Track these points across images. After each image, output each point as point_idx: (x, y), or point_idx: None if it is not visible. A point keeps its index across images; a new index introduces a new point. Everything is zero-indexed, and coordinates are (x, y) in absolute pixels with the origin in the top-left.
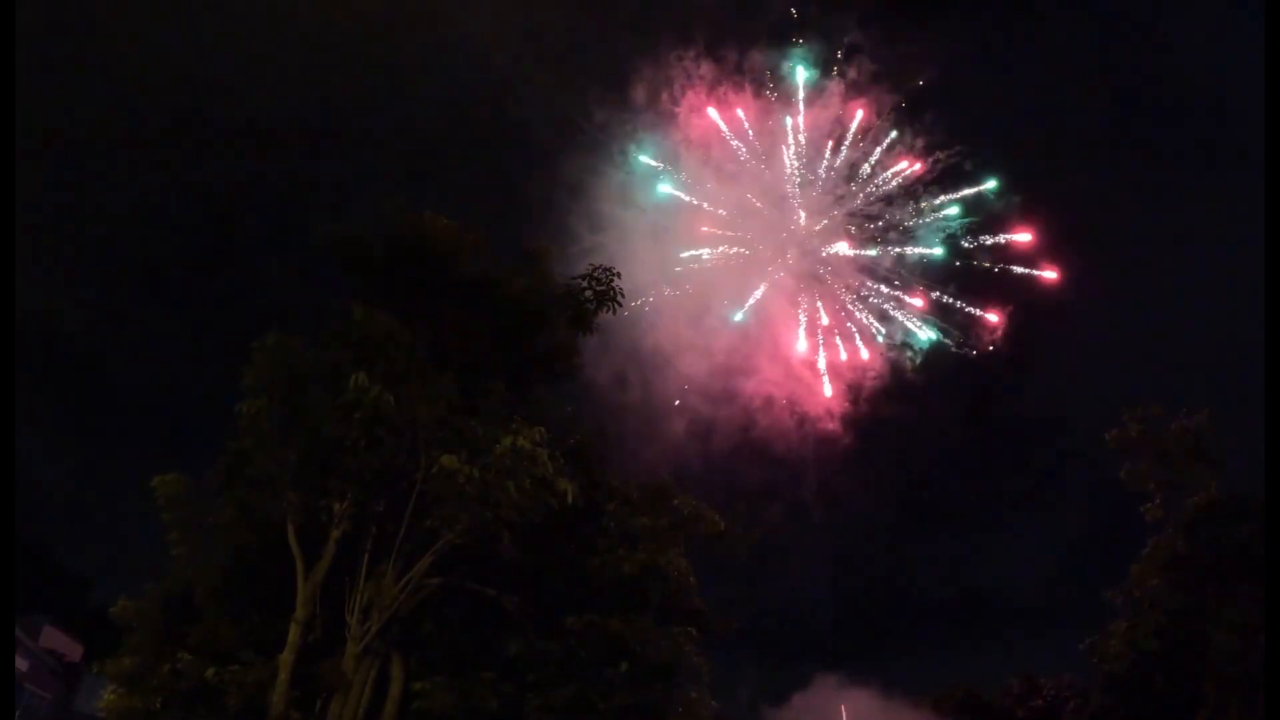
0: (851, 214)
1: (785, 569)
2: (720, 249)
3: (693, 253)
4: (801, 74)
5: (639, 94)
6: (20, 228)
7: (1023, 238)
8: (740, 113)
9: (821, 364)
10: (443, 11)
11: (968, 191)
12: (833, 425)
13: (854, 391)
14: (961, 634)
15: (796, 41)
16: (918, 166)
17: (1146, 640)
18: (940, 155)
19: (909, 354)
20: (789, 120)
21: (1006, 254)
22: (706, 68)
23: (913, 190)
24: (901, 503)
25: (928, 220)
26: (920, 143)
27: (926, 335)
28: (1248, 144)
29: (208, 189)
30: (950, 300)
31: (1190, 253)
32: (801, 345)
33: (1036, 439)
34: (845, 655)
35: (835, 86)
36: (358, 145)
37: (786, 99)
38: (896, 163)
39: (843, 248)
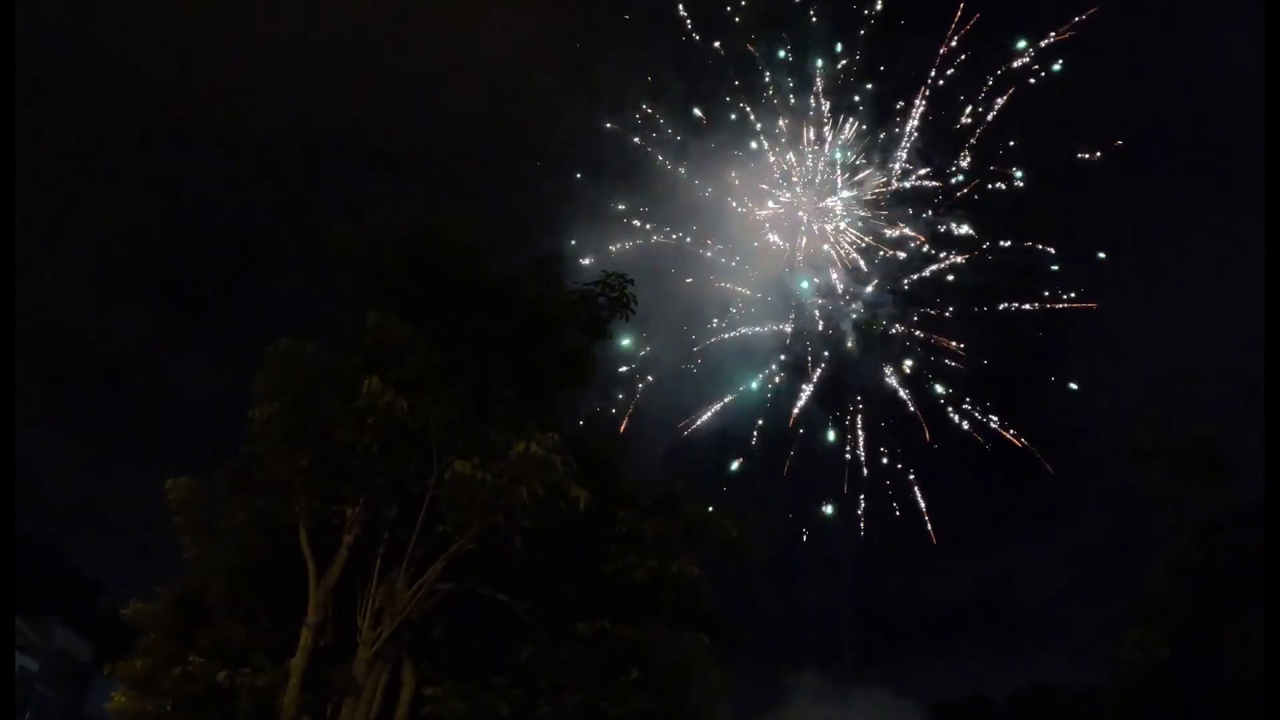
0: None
1: (799, 577)
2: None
3: None
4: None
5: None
6: (42, 236)
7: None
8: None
9: None
10: (462, 25)
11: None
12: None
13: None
14: (974, 642)
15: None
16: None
17: (1159, 650)
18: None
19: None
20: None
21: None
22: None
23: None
24: (916, 511)
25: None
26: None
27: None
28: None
29: (227, 199)
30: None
31: (1207, 262)
32: None
33: (1052, 447)
34: (859, 662)
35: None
36: (375, 156)
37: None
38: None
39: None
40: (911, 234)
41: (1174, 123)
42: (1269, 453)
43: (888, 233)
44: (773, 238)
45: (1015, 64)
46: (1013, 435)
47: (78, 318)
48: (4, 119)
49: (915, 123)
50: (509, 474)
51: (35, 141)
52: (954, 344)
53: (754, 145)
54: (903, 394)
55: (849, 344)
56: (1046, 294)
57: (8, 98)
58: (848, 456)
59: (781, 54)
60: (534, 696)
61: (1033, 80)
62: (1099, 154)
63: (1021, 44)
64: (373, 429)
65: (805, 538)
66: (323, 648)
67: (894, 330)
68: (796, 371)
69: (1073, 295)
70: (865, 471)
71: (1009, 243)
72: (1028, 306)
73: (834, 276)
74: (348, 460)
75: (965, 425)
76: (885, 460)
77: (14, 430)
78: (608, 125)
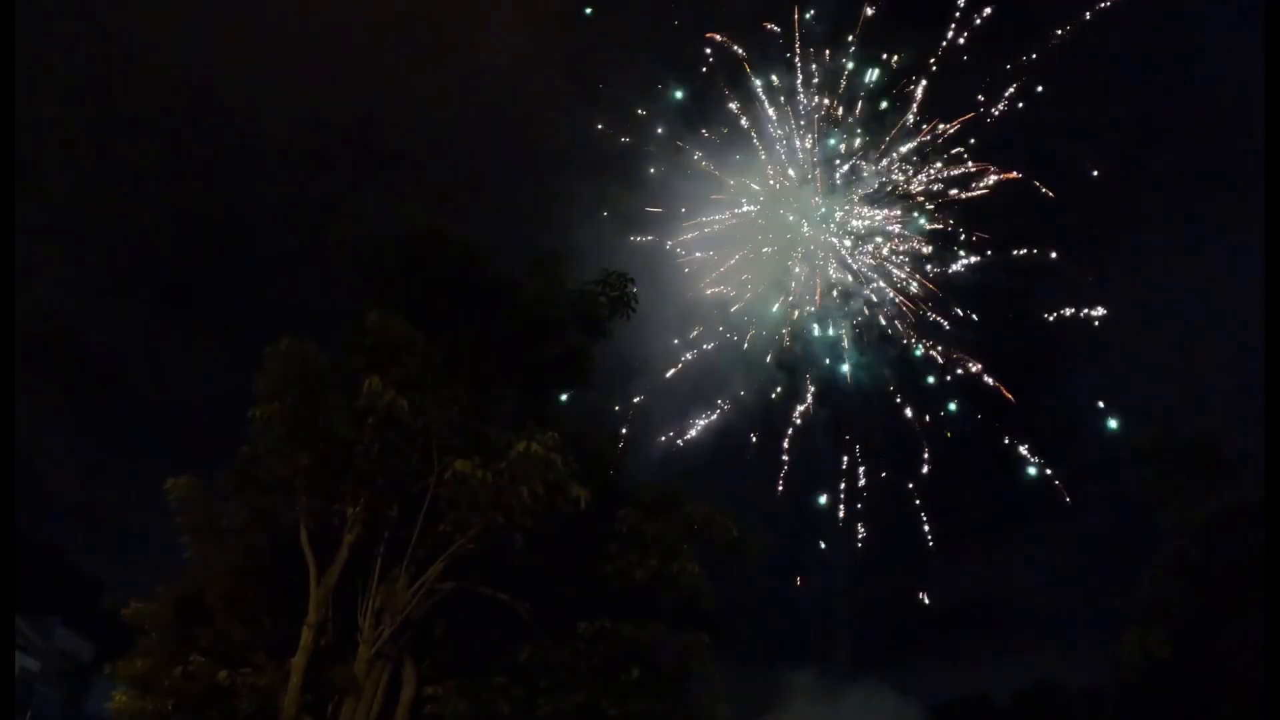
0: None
1: (799, 575)
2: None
3: None
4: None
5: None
6: (42, 236)
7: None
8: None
9: None
10: (462, 25)
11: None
12: None
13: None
14: (975, 641)
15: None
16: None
17: (1160, 649)
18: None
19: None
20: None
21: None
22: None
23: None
24: (917, 510)
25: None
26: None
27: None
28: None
29: (228, 200)
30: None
31: (1207, 262)
32: None
33: (1055, 446)
34: (858, 662)
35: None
36: (376, 155)
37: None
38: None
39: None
40: (909, 234)
41: (1175, 123)
42: (1269, 453)
43: (885, 235)
44: (769, 237)
45: (1013, 66)
46: (1035, 464)
47: (78, 316)
48: (4, 119)
49: (912, 121)
50: (509, 473)
51: (34, 141)
52: (954, 349)
53: (751, 143)
54: (899, 395)
55: (845, 344)
56: (1047, 296)
57: (8, 97)
58: (845, 456)
59: (778, 45)
60: (534, 696)
61: (1040, 88)
62: (1099, 159)
63: (1022, 45)
64: (373, 428)
65: (803, 535)
66: (323, 647)
67: (891, 332)
68: (794, 371)
69: (1071, 308)
70: (863, 474)
71: (1008, 244)
72: (1048, 316)
73: (831, 277)
74: (348, 459)
75: (957, 414)
76: (884, 461)
77: (13, 430)
78: (599, 127)
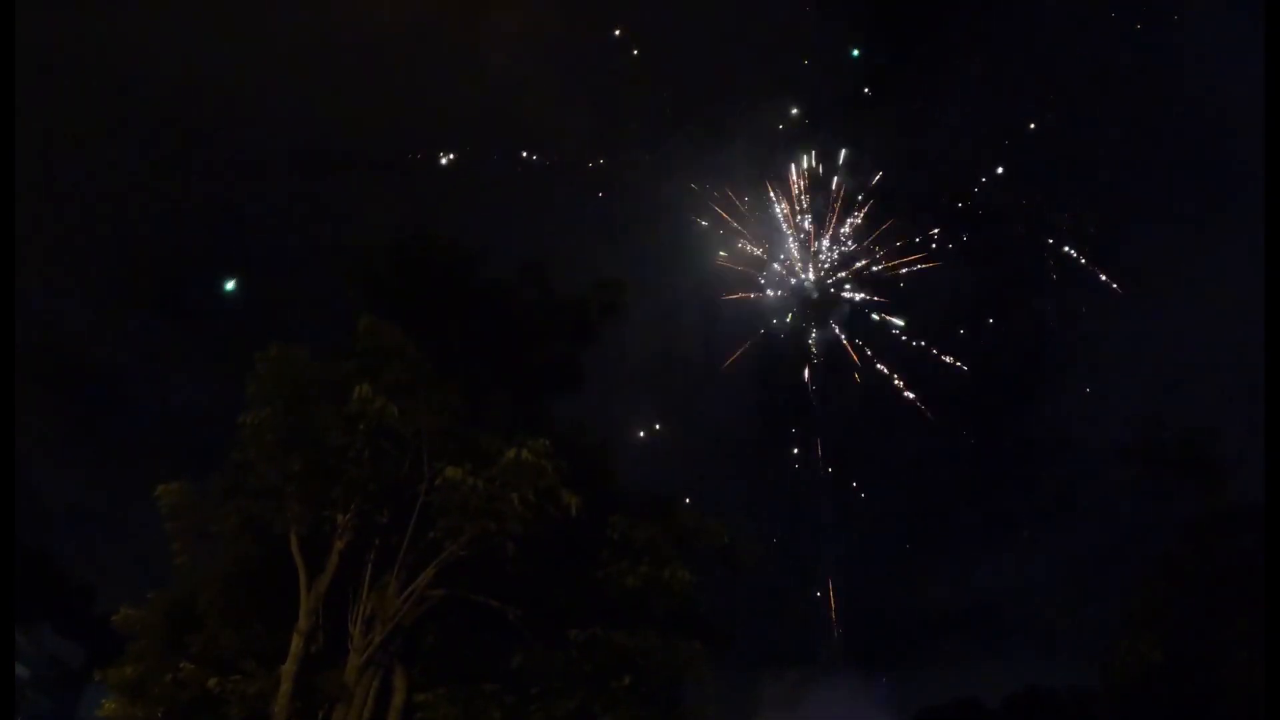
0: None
1: (792, 580)
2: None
3: None
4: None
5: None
6: (33, 243)
7: None
8: None
9: None
10: (461, 31)
11: None
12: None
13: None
14: (968, 645)
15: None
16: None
17: (1153, 652)
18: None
19: None
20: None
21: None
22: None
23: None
24: (910, 516)
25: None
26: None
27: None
28: (1252, 155)
29: (220, 204)
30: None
31: (1203, 263)
32: None
33: (1045, 451)
34: (849, 666)
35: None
36: (369, 164)
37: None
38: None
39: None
40: (898, 238)
41: (1169, 127)
42: (1269, 453)
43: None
44: (752, 245)
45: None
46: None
47: (68, 322)
48: (4, 120)
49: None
50: (500, 480)
51: (31, 145)
52: (944, 353)
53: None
54: (888, 397)
55: (836, 345)
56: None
57: (8, 100)
58: (834, 460)
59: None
60: (526, 703)
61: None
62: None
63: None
64: (364, 434)
65: (796, 540)
66: (314, 654)
67: (885, 333)
68: (781, 375)
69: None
70: (855, 481)
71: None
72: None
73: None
74: (339, 466)
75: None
76: (875, 466)
77: (13, 438)
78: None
